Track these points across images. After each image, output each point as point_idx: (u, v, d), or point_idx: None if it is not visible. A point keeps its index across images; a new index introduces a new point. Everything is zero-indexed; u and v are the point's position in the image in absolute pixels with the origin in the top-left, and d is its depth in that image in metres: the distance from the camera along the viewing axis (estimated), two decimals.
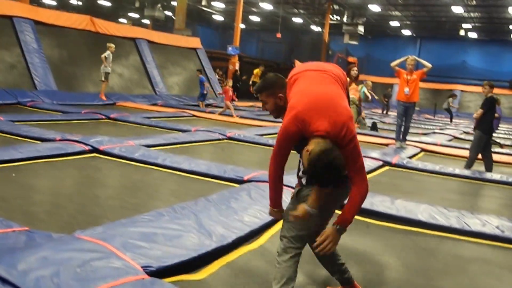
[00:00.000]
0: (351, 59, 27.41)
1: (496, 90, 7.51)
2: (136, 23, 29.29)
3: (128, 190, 4.46)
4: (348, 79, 2.67)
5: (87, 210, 3.62)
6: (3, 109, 9.29)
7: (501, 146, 10.73)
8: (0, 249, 2.41)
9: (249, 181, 4.64)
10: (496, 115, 8.84)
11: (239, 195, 3.94)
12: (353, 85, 7.64)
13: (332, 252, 2.19)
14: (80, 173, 4.85)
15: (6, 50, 11.54)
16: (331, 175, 1.95)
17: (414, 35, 31.43)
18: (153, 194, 4.33)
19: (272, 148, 2.24)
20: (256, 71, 19.65)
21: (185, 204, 3.55)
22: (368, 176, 5.90)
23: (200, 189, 4.43)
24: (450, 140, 11.37)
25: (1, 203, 3.57)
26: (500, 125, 14.50)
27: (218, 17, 31.60)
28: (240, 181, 4.70)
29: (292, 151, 2.18)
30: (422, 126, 15.61)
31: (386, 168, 6.61)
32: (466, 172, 6.56)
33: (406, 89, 8.20)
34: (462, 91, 27.53)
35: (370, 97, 10.81)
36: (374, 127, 11.93)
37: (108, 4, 29.48)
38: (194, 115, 11.83)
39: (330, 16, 26.53)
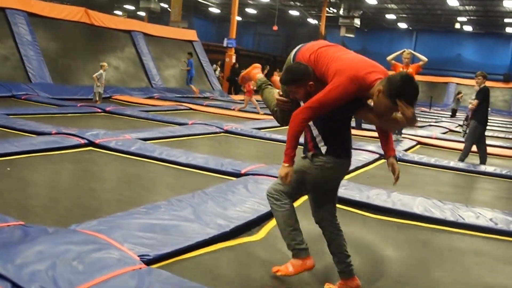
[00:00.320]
0: None
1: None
2: (131, 15, 29.02)
3: (125, 183, 4.45)
4: None
5: (83, 204, 3.62)
6: None
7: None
8: None
9: (246, 174, 4.65)
10: None
11: (236, 188, 3.95)
12: None
13: (342, 240, 2.49)
14: (76, 167, 4.83)
15: (0, 42, 11.44)
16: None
17: (410, 28, 31.38)
18: (150, 187, 4.33)
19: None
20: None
21: (182, 197, 3.55)
22: (365, 169, 6.00)
23: (197, 183, 4.43)
24: (445, 133, 11.45)
25: None
26: (494, 118, 14.52)
27: (215, 9, 31.39)
28: (238, 175, 4.70)
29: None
30: (418, 119, 15.62)
31: (383, 161, 6.63)
32: (461, 165, 6.64)
33: None
34: (457, 83, 27.61)
35: None
36: None
37: None
38: (191, 108, 11.80)
39: (327, 9, 26.46)
